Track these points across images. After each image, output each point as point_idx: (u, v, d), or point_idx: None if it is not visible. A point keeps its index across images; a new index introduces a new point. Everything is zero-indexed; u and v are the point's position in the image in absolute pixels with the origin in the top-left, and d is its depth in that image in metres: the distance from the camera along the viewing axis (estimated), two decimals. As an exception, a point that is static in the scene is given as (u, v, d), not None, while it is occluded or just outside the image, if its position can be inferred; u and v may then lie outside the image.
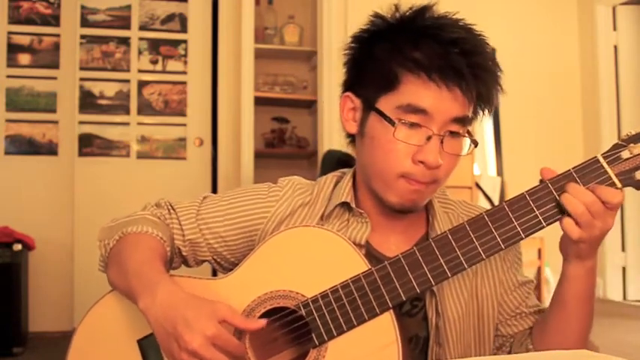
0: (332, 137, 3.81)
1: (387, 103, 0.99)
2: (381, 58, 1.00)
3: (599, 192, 0.90)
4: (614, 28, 4.47)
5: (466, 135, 1.01)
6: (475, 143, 1.02)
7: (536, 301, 1.12)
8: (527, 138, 4.41)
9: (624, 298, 4.40)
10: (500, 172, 4.35)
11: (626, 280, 4.41)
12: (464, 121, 0.99)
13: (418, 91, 0.96)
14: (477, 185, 3.98)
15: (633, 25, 4.48)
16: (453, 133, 0.99)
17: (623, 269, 4.40)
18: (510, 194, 4.51)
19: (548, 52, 4.49)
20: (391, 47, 0.99)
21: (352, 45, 1.07)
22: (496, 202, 4.07)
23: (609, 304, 4.21)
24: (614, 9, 4.47)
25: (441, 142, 0.97)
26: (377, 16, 1.05)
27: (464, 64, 0.95)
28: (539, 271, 3.95)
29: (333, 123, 3.85)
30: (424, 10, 1.01)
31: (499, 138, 4.38)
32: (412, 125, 0.97)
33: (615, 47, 4.47)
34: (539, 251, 3.68)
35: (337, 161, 2.78)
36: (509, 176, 4.28)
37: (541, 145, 4.35)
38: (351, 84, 1.07)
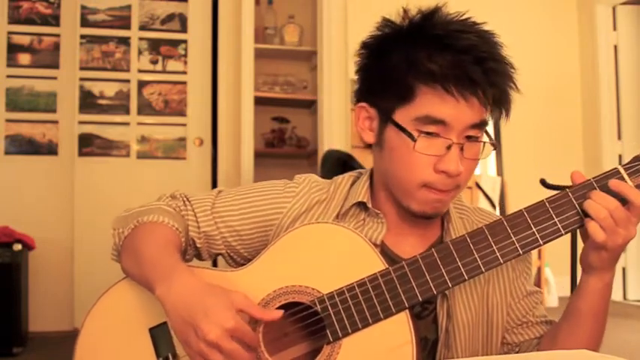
0: (332, 137, 3.81)
1: (404, 115, 0.98)
2: (395, 69, 0.98)
3: (622, 189, 0.90)
4: (614, 28, 4.47)
5: (484, 138, 1.00)
6: (494, 146, 1.02)
7: (543, 312, 1.12)
8: (527, 138, 4.41)
9: (624, 298, 4.40)
10: (500, 172, 4.35)
11: (626, 280, 4.41)
12: (481, 125, 0.99)
13: (435, 103, 0.95)
14: (477, 185, 3.99)
15: (633, 25, 4.48)
16: (471, 138, 0.98)
17: (623, 269, 4.40)
18: (510, 194, 4.52)
19: (548, 52, 4.49)
20: (404, 59, 0.97)
21: (362, 52, 1.05)
22: (496, 202, 4.07)
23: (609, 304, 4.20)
24: (614, 9, 4.47)
25: (461, 149, 0.97)
26: (385, 21, 1.03)
27: (479, 72, 0.94)
28: (539, 271, 3.95)
29: (333, 123, 3.84)
30: (433, 14, 0.99)
31: (499, 138, 4.38)
32: (431, 135, 0.96)
33: (615, 47, 4.47)
34: (540, 251, 3.68)
35: (337, 161, 2.77)
36: (509, 176, 4.29)
37: (541, 145, 4.35)
38: (365, 93, 1.05)
